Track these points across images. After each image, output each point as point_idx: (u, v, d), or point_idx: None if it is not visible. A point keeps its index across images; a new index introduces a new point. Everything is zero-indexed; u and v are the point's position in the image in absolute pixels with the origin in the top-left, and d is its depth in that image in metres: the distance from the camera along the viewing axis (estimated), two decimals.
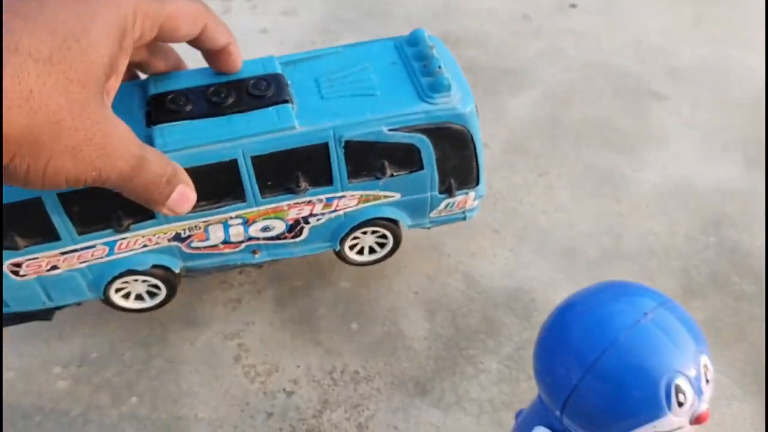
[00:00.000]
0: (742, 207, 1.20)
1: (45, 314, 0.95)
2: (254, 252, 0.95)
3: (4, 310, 0.92)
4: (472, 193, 0.96)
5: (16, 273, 0.86)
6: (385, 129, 0.84)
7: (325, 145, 0.84)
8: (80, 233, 0.84)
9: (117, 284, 0.92)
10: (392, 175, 0.90)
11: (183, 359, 0.98)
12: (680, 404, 0.57)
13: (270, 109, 0.82)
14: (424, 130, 0.86)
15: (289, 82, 0.86)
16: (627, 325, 0.59)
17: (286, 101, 0.83)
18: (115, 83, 0.76)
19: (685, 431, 0.60)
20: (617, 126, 1.34)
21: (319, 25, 1.59)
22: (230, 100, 0.82)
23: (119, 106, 0.76)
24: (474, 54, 1.51)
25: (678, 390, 0.57)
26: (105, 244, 0.87)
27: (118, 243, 0.87)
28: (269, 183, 0.86)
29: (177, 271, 0.93)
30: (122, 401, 0.94)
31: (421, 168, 0.90)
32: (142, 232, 0.86)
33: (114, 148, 0.65)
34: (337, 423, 0.91)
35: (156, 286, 0.95)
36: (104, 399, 0.94)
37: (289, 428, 0.91)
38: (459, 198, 0.96)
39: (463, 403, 0.94)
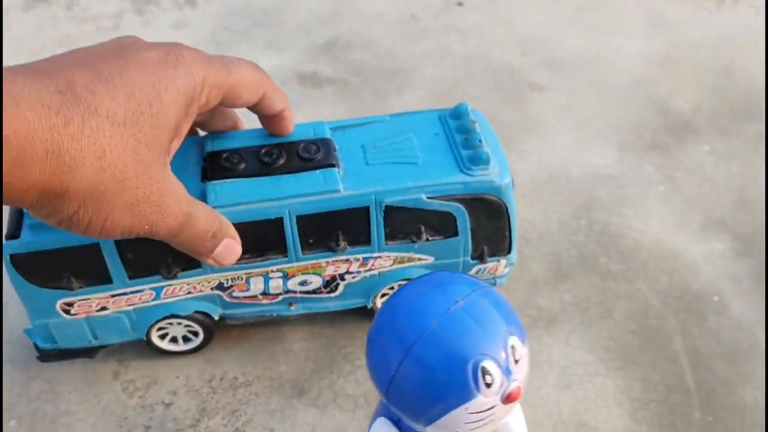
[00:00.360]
0: (612, 190, 1.25)
1: (89, 352, 0.98)
2: (290, 304, 0.98)
3: (52, 346, 0.95)
4: (503, 261, 0.99)
5: (67, 312, 0.91)
6: (424, 197, 0.88)
7: (366, 209, 0.88)
8: (131, 278, 0.89)
9: (159, 326, 0.96)
10: (428, 240, 0.93)
11: (62, 380, 0.99)
12: (488, 385, 0.60)
13: (317, 172, 0.87)
14: (462, 200, 0.90)
15: (337, 146, 0.91)
16: (439, 313, 0.62)
17: (333, 165, 0.88)
18: (176, 144, 0.81)
19: (499, 410, 0.63)
20: (497, 119, 1.38)
21: (211, 36, 1.60)
22: (281, 161, 0.87)
23: (178, 161, 0.84)
24: (362, 56, 1.54)
25: (485, 372, 0.60)
26: (153, 289, 0.91)
27: (165, 289, 0.91)
28: (311, 240, 0.90)
29: (216, 317, 0.97)
30: (1, 425, 0.95)
31: (456, 234, 0.93)
32: (188, 279, 0.91)
33: (167, 206, 0.70)
34: (215, 429, 0.94)
35: (194, 332, 0.99)
36: None
37: None
38: (490, 265, 0.99)
39: (339, 400, 0.97)
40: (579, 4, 1.68)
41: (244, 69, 0.79)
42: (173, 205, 0.71)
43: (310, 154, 0.88)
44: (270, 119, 0.89)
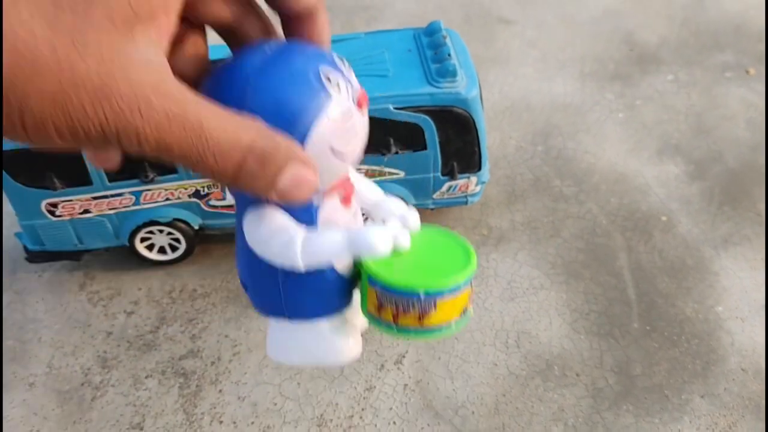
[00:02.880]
0: (571, 118, 1.28)
1: (75, 255, 1.03)
2: None
3: (39, 248, 1.00)
4: (474, 178, 1.02)
5: (52, 213, 0.96)
6: (391, 107, 0.92)
7: None
8: (111, 180, 0.94)
9: (142, 234, 1.01)
10: (397, 152, 0.96)
11: (30, 290, 1.04)
12: (337, 87, 0.62)
13: None
14: (429, 112, 0.93)
15: None
16: (259, 57, 0.63)
17: None
18: (168, 24, 0.53)
19: (357, 119, 0.65)
20: None
21: None
22: None
23: None
24: None
25: (327, 75, 0.62)
26: (132, 193, 0.96)
27: (144, 194, 0.96)
28: None
29: (196, 227, 1.01)
30: None
31: (425, 148, 0.97)
32: (165, 185, 0.96)
33: (124, 95, 0.44)
34: (172, 336, 0.99)
35: (177, 240, 1.03)
36: None
37: (126, 344, 0.98)
38: (461, 181, 1.02)
39: None
40: None
41: None
42: (142, 97, 0.41)
43: None
44: (296, 22, 0.71)
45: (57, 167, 0.91)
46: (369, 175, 0.99)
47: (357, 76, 1.01)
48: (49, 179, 0.91)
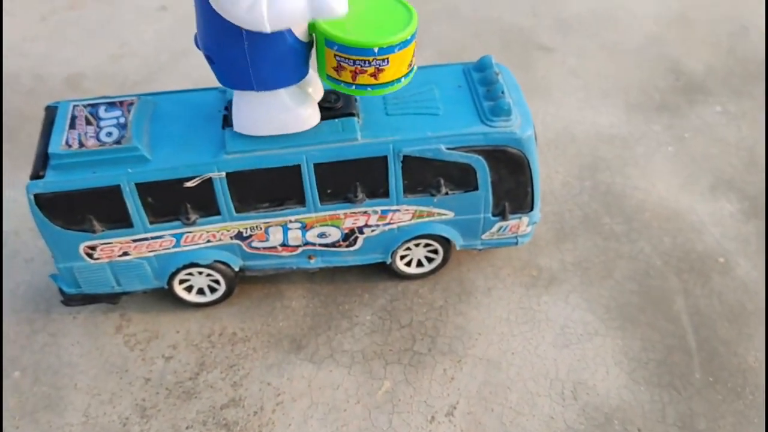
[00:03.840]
0: (618, 151, 1.23)
1: (112, 298, 1.00)
2: (310, 257, 0.99)
3: (76, 291, 0.97)
4: (525, 218, 0.98)
5: (90, 256, 0.92)
6: (443, 147, 0.88)
7: (384, 158, 0.88)
8: (151, 222, 0.90)
9: (181, 275, 0.97)
10: (447, 193, 0.92)
11: (65, 333, 1.01)
12: None
13: (336, 120, 0.88)
14: (482, 152, 0.89)
15: (358, 97, 0.91)
16: None
17: (353, 114, 0.88)
18: None
19: None
20: None
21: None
22: None
23: (202, 110, 0.89)
24: None
25: None
26: (173, 235, 0.92)
27: (185, 236, 0.93)
28: (329, 191, 0.91)
29: (236, 268, 0.97)
30: (6, 375, 0.96)
31: (476, 188, 0.93)
32: (207, 227, 0.92)
33: None
34: (213, 383, 0.95)
35: (217, 282, 1.00)
36: None
37: (165, 392, 0.94)
38: (512, 222, 0.98)
39: (336, 355, 0.97)
40: None
41: None
42: None
43: (331, 103, 0.88)
44: None
45: (97, 210, 0.87)
46: (418, 216, 0.95)
47: (407, 113, 0.98)
48: (88, 222, 0.88)
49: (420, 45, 1.45)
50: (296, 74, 0.80)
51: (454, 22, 1.50)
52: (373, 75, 0.77)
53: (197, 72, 1.41)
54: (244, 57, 0.74)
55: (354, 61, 0.75)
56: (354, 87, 0.80)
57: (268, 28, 0.72)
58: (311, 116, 0.85)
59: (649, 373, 0.94)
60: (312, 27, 0.75)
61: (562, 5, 1.54)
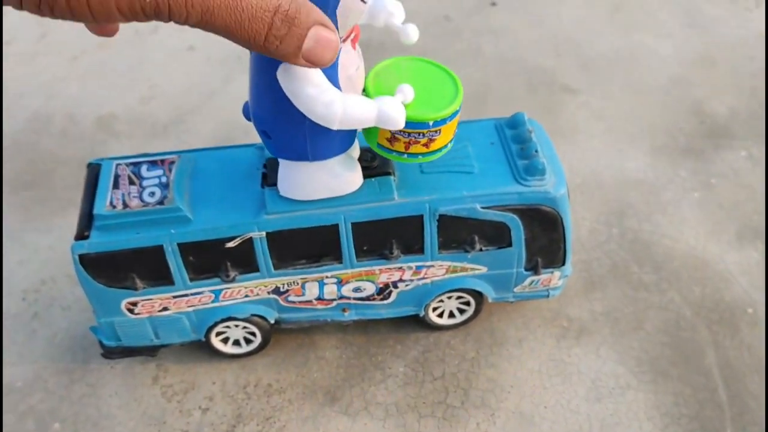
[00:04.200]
0: (645, 197, 1.24)
1: (150, 351, 1.02)
2: (344, 310, 1.01)
3: (116, 343, 0.99)
4: (557, 273, 1.00)
5: (131, 311, 0.95)
6: (478, 206, 0.89)
7: (420, 217, 0.90)
8: (192, 280, 0.92)
9: (218, 328, 0.99)
10: (481, 250, 0.94)
11: (104, 383, 1.02)
12: None
13: (373, 180, 0.90)
14: (516, 210, 0.91)
15: None
16: None
17: (389, 173, 0.90)
18: None
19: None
20: None
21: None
22: None
23: (240, 168, 0.91)
24: None
25: None
26: (212, 291, 0.94)
27: (224, 291, 0.95)
28: (365, 248, 0.92)
29: (272, 321, 1.00)
30: (46, 427, 0.98)
31: (510, 245, 0.94)
32: (246, 283, 0.94)
33: None
34: None
35: (253, 333, 1.02)
36: (29, 426, 0.99)
37: None
38: (544, 276, 0.99)
39: (370, 408, 0.99)
40: (614, 4, 1.66)
41: None
42: None
43: (367, 162, 0.90)
44: None
45: (140, 268, 0.89)
46: (451, 271, 0.96)
47: (440, 172, 1.00)
48: (131, 280, 0.90)
49: None
50: (348, 144, 0.82)
51: (479, 63, 1.52)
52: (425, 144, 0.79)
53: (225, 114, 1.43)
54: (303, 135, 0.76)
55: (409, 134, 0.77)
56: (406, 156, 0.82)
57: (336, 127, 0.74)
58: (356, 180, 0.87)
59: (681, 429, 0.95)
60: None
61: (586, 45, 1.55)
